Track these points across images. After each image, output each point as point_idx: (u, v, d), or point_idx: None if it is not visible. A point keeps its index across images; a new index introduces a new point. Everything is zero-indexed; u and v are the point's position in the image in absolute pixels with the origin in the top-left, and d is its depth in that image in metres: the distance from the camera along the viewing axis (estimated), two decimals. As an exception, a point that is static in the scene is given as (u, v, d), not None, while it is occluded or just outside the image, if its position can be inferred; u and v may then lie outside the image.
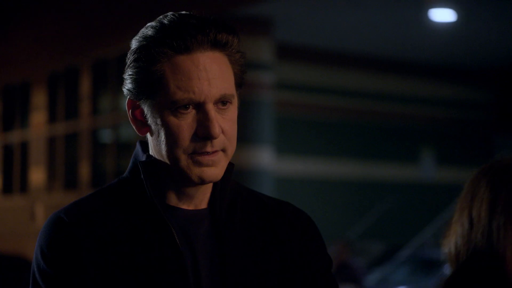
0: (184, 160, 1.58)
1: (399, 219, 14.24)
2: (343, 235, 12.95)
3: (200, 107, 1.58)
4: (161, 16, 1.62)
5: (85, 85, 13.73)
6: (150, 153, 1.66)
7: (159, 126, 1.59)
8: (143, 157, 1.67)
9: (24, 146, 15.65)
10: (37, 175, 15.08)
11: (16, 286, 7.30)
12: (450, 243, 1.69)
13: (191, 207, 1.65)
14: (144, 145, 1.69)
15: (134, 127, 1.66)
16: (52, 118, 14.85)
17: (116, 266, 1.57)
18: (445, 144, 15.59)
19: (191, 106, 1.57)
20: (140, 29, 1.64)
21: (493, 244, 1.60)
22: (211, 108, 1.57)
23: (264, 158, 10.94)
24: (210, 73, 1.57)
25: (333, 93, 14.20)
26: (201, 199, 1.66)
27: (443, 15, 11.26)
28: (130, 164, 1.69)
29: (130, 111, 1.65)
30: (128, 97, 1.64)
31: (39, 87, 15.17)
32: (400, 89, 15.07)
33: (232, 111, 1.62)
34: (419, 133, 15.36)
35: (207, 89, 1.57)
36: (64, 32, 14.37)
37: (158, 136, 1.60)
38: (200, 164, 1.58)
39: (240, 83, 1.65)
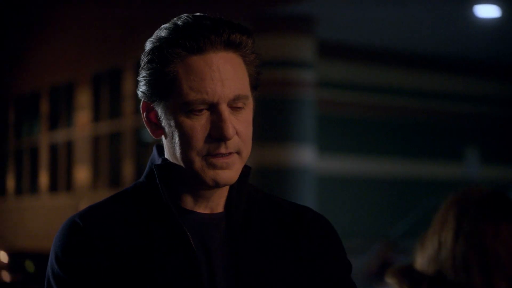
0: (198, 162, 1.55)
1: (443, 218, 14.05)
2: (386, 234, 12.86)
3: (213, 108, 1.55)
4: (175, 18, 1.60)
5: (128, 85, 13.83)
6: (166, 156, 1.64)
7: (173, 128, 1.57)
8: (158, 161, 1.65)
9: (69, 145, 15.84)
10: (82, 174, 15.24)
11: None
12: (423, 257, 1.92)
13: (207, 211, 1.62)
14: (160, 149, 1.67)
15: (148, 130, 1.64)
16: (96, 117, 15.01)
17: (131, 270, 1.55)
18: (489, 142, 15.37)
19: (204, 107, 1.55)
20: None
21: (456, 268, 1.85)
22: (224, 108, 1.55)
23: (306, 156, 10.89)
24: (223, 74, 1.54)
25: (376, 91, 14.09)
26: (217, 202, 1.63)
27: (487, 11, 11.14)
28: (146, 168, 1.67)
29: (144, 113, 1.63)
30: (143, 99, 1.62)
31: (83, 87, 15.32)
32: (443, 87, 14.90)
33: (247, 112, 1.59)
34: (463, 131, 15.17)
35: (220, 90, 1.54)
36: (107, 33, 14.49)
37: (172, 138, 1.58)
38: (214, 167, 1.55)
39: (255, 85, 1.62)
